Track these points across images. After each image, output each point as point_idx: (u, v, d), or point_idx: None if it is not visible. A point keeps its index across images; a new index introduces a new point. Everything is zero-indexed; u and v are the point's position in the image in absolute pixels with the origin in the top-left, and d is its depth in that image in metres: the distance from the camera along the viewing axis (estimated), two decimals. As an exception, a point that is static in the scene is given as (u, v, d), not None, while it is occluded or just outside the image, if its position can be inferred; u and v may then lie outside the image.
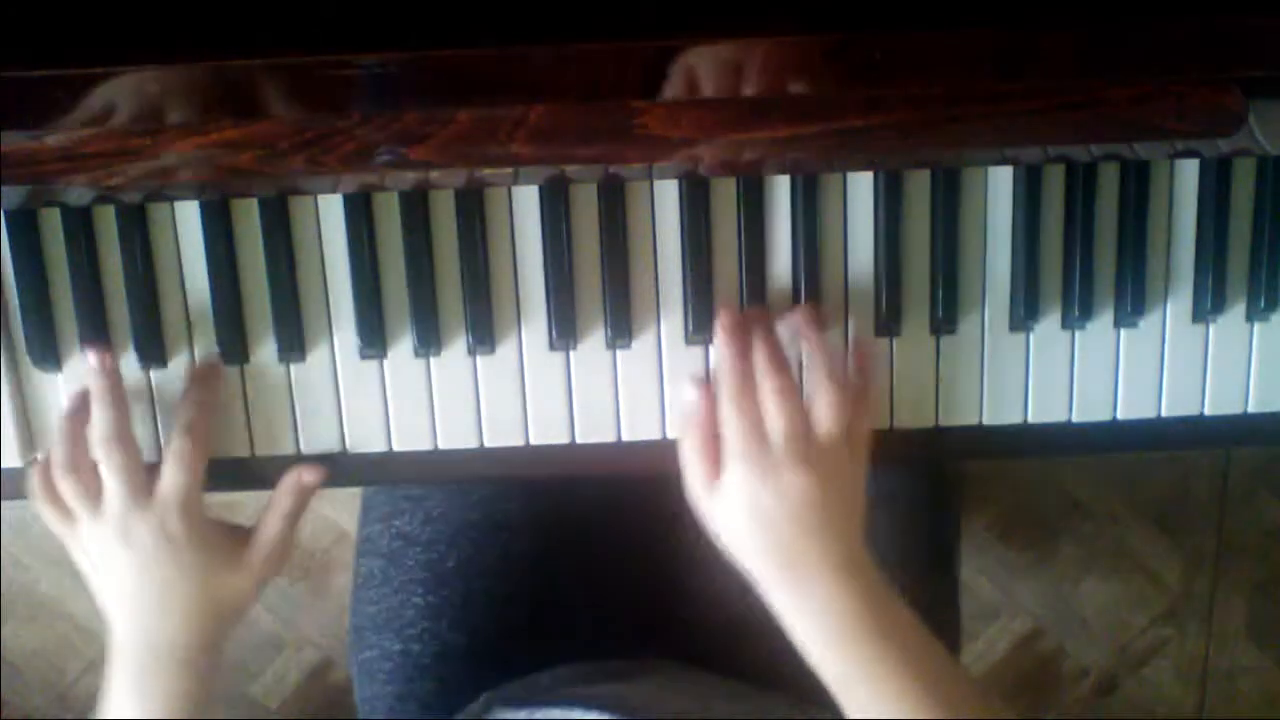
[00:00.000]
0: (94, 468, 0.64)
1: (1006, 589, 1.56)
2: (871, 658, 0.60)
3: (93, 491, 0.64)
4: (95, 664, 1.53)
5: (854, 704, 0.61)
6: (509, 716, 0.71)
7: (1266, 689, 1.59)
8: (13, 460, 0.68)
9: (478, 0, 0.56)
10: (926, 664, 0.61)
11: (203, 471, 0.65)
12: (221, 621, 0.67)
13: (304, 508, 0.69)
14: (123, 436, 0.64)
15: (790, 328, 0.66)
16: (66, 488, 0.64)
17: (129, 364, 0.67)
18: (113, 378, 0.65)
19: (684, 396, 0.66)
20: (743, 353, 0.63)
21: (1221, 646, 1.58)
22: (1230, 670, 1.58)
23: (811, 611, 0.61)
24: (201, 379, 0.66)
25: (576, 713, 0.69)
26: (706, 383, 0.66)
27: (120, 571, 0.65)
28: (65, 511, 0.65)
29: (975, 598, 1.55)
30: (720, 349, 0.64)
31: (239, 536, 0.68)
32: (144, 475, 0.64)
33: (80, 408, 0.65)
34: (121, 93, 0.55)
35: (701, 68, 0.56)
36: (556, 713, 0.70)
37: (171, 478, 0.64)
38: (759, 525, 0.61)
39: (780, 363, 0.63)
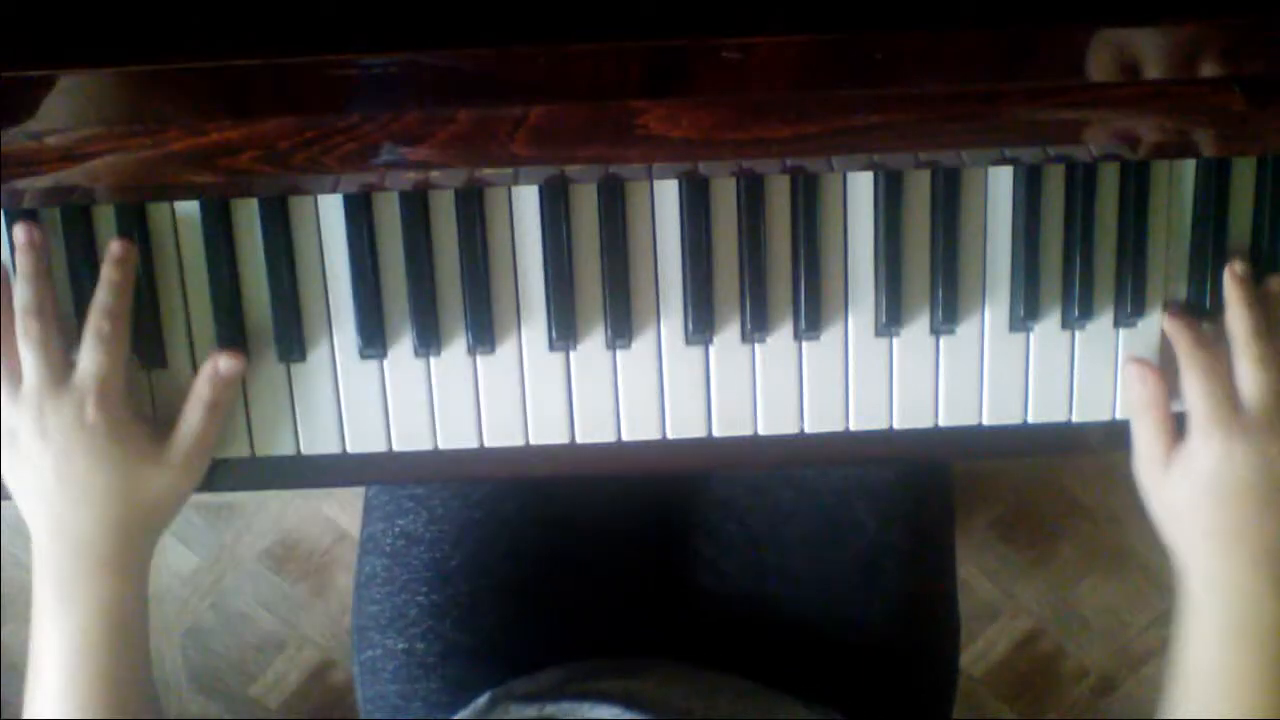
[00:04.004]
0: (17, 350, 0.62)
1: (1006, 589, 1.56)
2: (1254, 667, 0.62)
3: (15, 374, 0.62)
4: (95, 664, 1.53)
5: (1209, 697, 0.62)
6: (521, 715, 0.71)
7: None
8: (13, 460, 0.68)
9: (478, 0, 0.56)
10: None
11: (124, 357, 0.63)
12: (142, 523, 0.64)
13: (225, 399, 0.65)
14: (44, 312, 0.62)
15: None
16: None
17: (129, 364, 0.67)
18: (39, 253, 0.63)
19: (1131, 373, 0.67)
20: (1197, 324, 0.65)
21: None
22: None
23: (1225, 609, 0.62)
24: (118, 261, 0.63)
25: (587, 707, 0.69)
26: (1149, 362, 0.67)
27: (36, 461, 0.62)
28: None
29: (975, 598, 1.55)
30: (1178, 325, 0.65)
31: (162, 434, 0.65)
32: (64, 357, 0.62)
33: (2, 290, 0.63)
34: (121, 93, 0.55)
35: (701, 68, 0.56)
36: (568, 707, 0.70)
37: (88, 361, 0.61)
38: (1218, 496, 0.62)
39: (1260, 324, 0.63)
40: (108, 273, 0.64)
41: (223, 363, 0.65)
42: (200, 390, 0.65)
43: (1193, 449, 0.63)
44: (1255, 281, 0.67)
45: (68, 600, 0.63)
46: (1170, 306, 0.67)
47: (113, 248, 0.64)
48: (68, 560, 0.63)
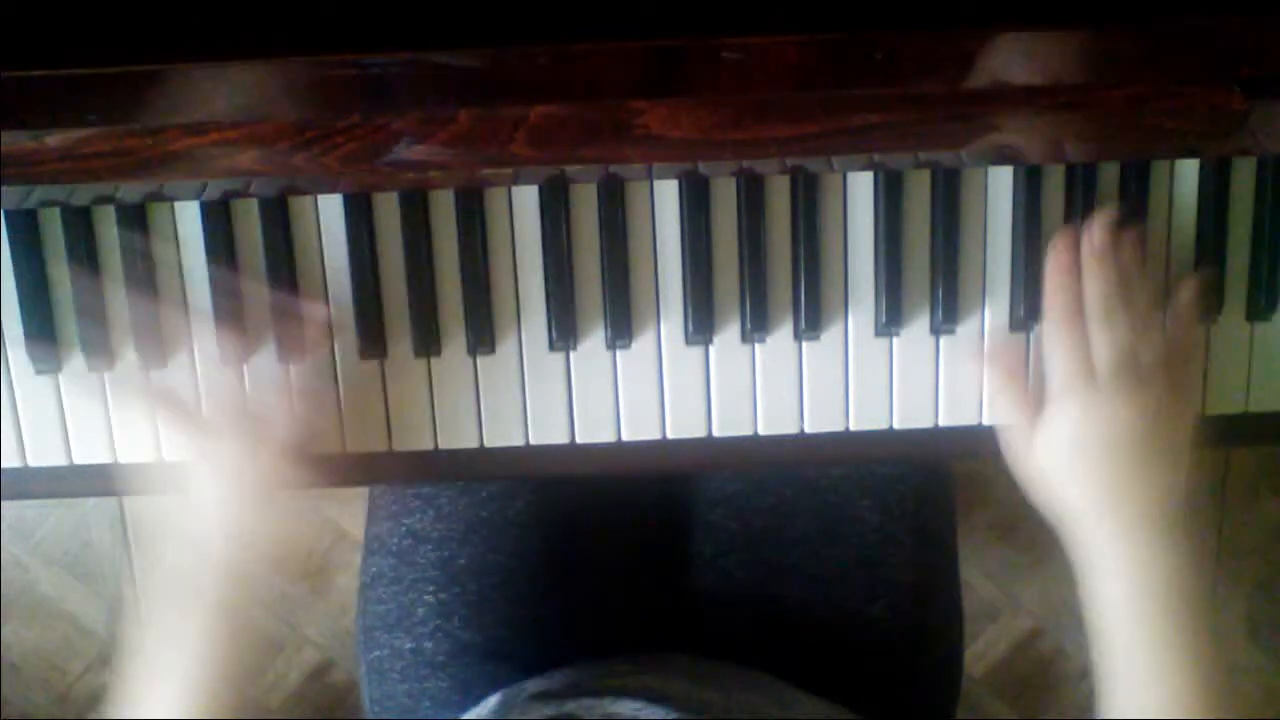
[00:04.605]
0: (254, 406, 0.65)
1: (1006, 589, 1.56)
2: (1169, 630, 0.59)
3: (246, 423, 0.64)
4: (95, 664, 1.53)
5: (1136, 677, 0.60)
6: (540, 715, 0.71)
7: (1266, 689, 1.59)
8: (12, 460, 0.68)
9: (478, 0, 0.56)
10: (1211, 654, 0.60)
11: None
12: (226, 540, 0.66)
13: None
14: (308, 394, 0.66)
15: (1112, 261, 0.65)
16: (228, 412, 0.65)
17: (128, 364, 0.67)
18: (322, 330, 0.66)
19: (989, 353, 0.67)
20: (1072, 281, 0.63)
21: (1221, 646, 1.58)
22: (1230, 670, 1.58)
23: (1123, 571, 0.60)
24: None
25: (607, 703, 0.69)
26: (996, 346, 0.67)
27: (204, 497, 0.64)
28: (194, 421, 0.65)
29: (975, 598, 1.55)
30: (1049, 277, 0.64)
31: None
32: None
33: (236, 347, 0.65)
34: (121, 93, 0.55)
35: (701, 68, 0.56)
36: (588, 704, 0.70)
37: (291, 430, 0.64)
38: (1084, 458, 0.61)
39: (1112, 290, 0.62)
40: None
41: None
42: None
43: (1053, 415, 0.62)
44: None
45: (193, 601, 0.64)
46: (1057, 242, 0.65)
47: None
48: (200, 572, 0.64)
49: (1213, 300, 0.68)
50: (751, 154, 0.59)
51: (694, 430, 0.69)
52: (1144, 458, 0.61)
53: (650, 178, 0.66)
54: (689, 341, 0.68)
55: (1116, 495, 0.61)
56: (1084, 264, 0.64)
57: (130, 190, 0.62)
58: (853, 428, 0.69)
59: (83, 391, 0.67)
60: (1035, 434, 0.63)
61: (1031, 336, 0.68)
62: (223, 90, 0.56)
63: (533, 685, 0.77)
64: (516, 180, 0.65)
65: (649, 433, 0.69)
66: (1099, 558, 0.62)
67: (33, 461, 0.68)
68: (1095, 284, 0.63)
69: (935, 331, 0.68)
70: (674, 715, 0.67)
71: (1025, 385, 0.66)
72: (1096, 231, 0.64)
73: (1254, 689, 1.59)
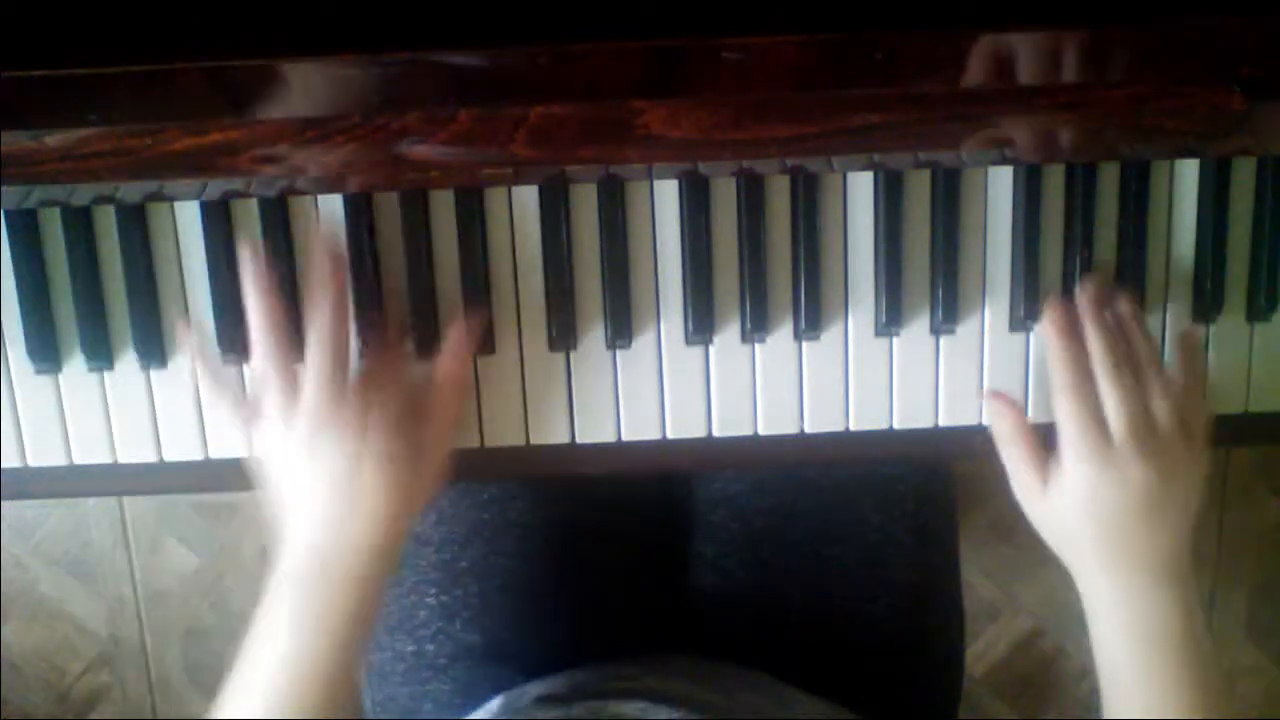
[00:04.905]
0: (294, 367, 0.61)
1: (1006, 589, 1.56)
2: (1171, 678, 0.61)
3: (290, 391, 0.61)
4: (95, 664, 1.53)
5: (1125, 709, 0.62)
6: (546, 717, 0.71)
7: (1266, 689, 1.59)
8: (12, 460, 0.68)
9: (478, 0, 0.56)
10: (1217, 699, 0.62)
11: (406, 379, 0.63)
12: (397, 541, 0.63)
13: (469, 371, 0.65)
14: (341, 339, 0.61)
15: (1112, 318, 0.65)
16: (263, 381, 0.61)
17: (129, 364, 0.67)
18: (341, 282, 0.62)
19: (990, 409, 0.67)
20: (1076, 343, 0.63)
21: (1221, 646, 1.58)
22: (1230, 670, 1.59)
23: (1127, 617, 0.62)
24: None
25: (613, 704, 0.69)
26: (1005, 395, 0.67)
27: (301, 480, 0.61)
28: (247, 407, 0.63)
29: (975, 598, 1.55)
30: (1052, 340, 0.64)
31: (421, 447, 0.63)
32: (346, 378, 0.61)
33: (273, 298, 0.61)
34: (121, 93, 0.55)
35: (701, 68, 0.56)
36: (594, 706, 0.70)
37: (374, 390, 0.61)
38: (1095, 518, 0.62)
39: (1118, 351, 0.63)
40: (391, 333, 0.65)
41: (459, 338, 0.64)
42: (447, 402, 0.64)
43: (1064, 473, 0.63)
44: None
45: (305, 612, 0.61)
46: (1053, 306, 0.65)
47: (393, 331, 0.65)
48: (311, 578, 0.61)
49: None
50: (751, 154, 0.59)
51: (694, 430, 0.69)
52: (1157, 514, 0.62)
53: (650, 178, 0.66)
54: (689, 341, 0.68)
55: (1126, 550, 0.63)
56: (1086, 326, 0.64)
57: (130, 190, 0.62)
58: (853, 428, 0.69)
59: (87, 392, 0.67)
60: (1047, 489, 0.64)
61: (1031, 337, 0.68)
62: (222, 90, 0.56)
63: (536, 689, 0.77)
64: (516, 180, 0.65)
65: (649, 433, 0.69)
66: (1104, 606, 0.63)
67: (33, 461, 0.68)
68: (1100, 345, 0.63)
69: (935, 331, 0.68)
70: (676, 715, 0.67)
71: (1030, 434, 0.65)
72: (1093, 293, 0.65)
73: (1254, 689, 1.59)
